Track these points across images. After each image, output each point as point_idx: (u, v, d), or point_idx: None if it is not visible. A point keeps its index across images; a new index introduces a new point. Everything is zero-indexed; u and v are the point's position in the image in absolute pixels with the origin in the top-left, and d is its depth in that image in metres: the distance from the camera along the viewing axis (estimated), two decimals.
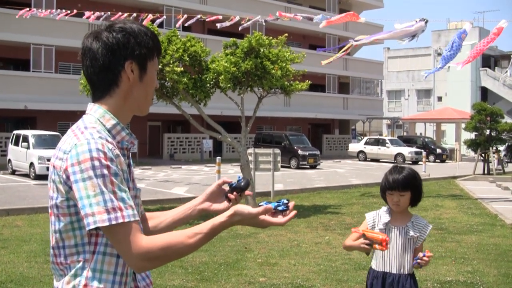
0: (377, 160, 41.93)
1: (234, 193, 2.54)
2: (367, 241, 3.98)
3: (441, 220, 14.49)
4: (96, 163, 2.06)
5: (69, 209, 2.16)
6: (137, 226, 2.11)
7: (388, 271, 4.25)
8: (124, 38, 2.24)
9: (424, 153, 31.74)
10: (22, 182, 23.05)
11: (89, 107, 2.33)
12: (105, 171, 2.06)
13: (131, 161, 2.36)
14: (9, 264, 9.04)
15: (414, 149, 41.40)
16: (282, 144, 35.07)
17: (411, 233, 4.19)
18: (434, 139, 49.68)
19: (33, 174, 24.07)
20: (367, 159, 42.28)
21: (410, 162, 39.72)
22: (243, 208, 2.24)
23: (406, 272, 4.22)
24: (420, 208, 16.46)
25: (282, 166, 33.52)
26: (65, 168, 2.10)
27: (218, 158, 20.82)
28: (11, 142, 26.48)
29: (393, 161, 40.66)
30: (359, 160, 42.38)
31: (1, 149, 31.98)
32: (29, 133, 25.76)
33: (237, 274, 8.69)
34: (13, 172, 26.11)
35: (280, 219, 2.30)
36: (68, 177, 2.09)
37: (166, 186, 22.09)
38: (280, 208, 2.36)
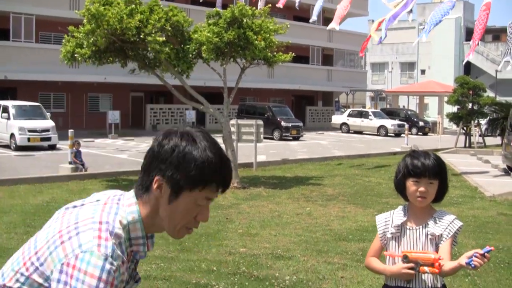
0: (360, 132, 42.02)
1: None
2: (410, 265, 3.22)
3: None
4: (101, 285, 1.87)
5: None
6: None
7: (402, 285, 3.33)
8: (167, 153, 2.02)
9: (406, 126, 31.83)
10: (3, 153, 22.85)
11: (130, 199, 2.11)
12: None
13: (138, 263, 2.21)
14: None
15: (397, 121, 41.52)
16: (265, 115, 35.01)
17: (431, 230, 3.28)
18: (417, 112, 49.88)
19: (14, 145, 23.84)
20: (350, 131, 42.35)
21: (393, 135, 39.90)
22: None
23: (430, 285, 3.30)
24: None
25: (265, 138, 33.50)
26: (62, 262, 1.91)
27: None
28: None
29: (376, 133, 40.83)
30: (342, 132, 42.47)
31: None
32: (9, 103, 25.44)
33: (217, 244, 8.71)
34: None
35: None
36: (53, 272, 1.92)
37: None
38: None
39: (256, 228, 9.99)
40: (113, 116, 33.03)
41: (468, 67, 61.56)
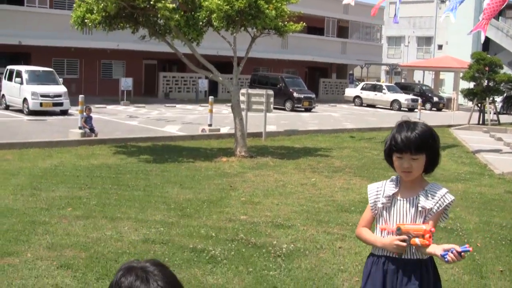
0: (373, 106, 41.75)
1: None
2: (403, 237, 3.18)
3: None
4: None
5: None
6: None
7: (391, 255, 3.30)
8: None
9: (420, 101, 31.60)
10: (15, 117, 23.00)
11: None
12: None
13: None
14: None
15: (410, 96, 41.19)
16: (278, 86, 34.88)
17: (422, 203, 3.22)
18: (432, 87, 49.44)
19: (27, 110, 23.95)
20: (363, 105, 42.08)
21: (406, 109, 39.62)
22: None
23: (416, 257, 3.28)
24: None
25: (276, 108, 33.48)
26: None
27: (210, 98, 20.75)
28: (5, 77, 26.24)
29: (389, 107, 40.59)
30: (355, 105, 42.25)
31: None
32: (22, 68, 25.52)
33: (219, 211, 8.74)
34: (7, 107, 25.95)
35: None
36: None
37: (158, 124, 22.06)
38: None
39: (259, 196, 10.01)
40: (126, 83, 33.01)
41: (487, 44, 60.73)
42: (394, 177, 3.38)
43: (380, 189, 3.38)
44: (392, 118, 31.68)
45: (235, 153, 14.98)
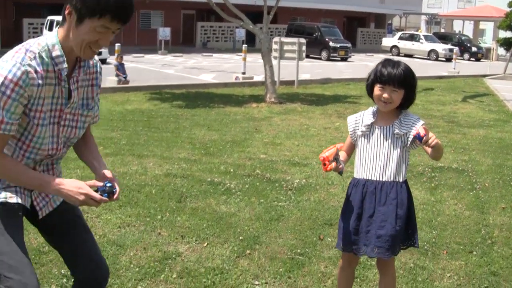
0: (410, 56, 41.44)
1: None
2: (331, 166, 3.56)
3: (455, 114, 14.68)
4: (6, 82, 2.51)
5: None
6: (3, 141, 2.63)
7: (369, 178, 3.66)
8: None
9: (455, 50, 31.32)
10: None
11: (53, 31, 2.73)
12: (8, 92, 2.52)
13: (73, 86, 2.79)
14: None
15: (448, 46, 40.73)
16: (314, 35, 34.93)
17: (397, 130, 3.59)
18: (472, 37, 48.75)
19: None
20: (400, 54, 41.79)
21: (444, 59, 39.32)
22: (72, 183, 2.68)
23: (392, 179, 3.63)
24: (439, 102, 16.71)
25: (312, 57, 33.64)
26: None
27: (244, 46, 21.11)
28: (46, 28, 26.89)
29: (426, 57, 40.29)
30: (392, 55, 41.91)
31: (37, 35, 32.49)
32: (61, 18, 26.04)
33: (240, 150, 9.21)
34: None
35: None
36: None
37: (194, 73, 22.54)
38: (104, 193, 2.70)
39: (282, 138, 10.44)
40: (164, 32, 33.44)
41: None
42: (371, 108, 3.75)
43: (359, 119, 3.77)
44: (427, 68, 31.55)
45: (265, 99, 15.38)
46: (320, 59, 34.20)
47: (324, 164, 3.55)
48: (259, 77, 20.86)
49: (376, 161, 3.65)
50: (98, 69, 2.97)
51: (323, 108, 14.73)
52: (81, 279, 3.06)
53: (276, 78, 17.81)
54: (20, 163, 2.73)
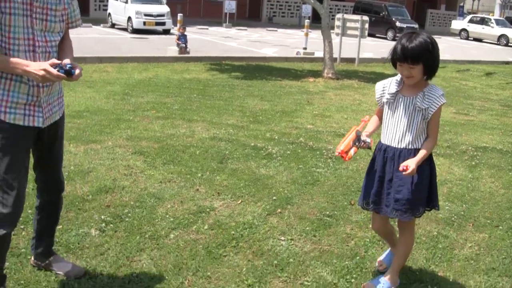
0: (479, 40, 40.45)
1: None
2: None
3: None
4: None
5: None
6: None
7: (390, 144, 3.83)
8: None
9: None
10: (120, 35, 24.22)
11: None
12: None
13: None
14: (90, 100, 10.04)
15: None
16: (381, 14, 34.54)
17: (419, 104, 3.67)
18: None
19: (131, 28, 25.16)
20: (469, 38, 40.85)
21: None
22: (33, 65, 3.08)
23: (410, 147, 3.76)
24: (499, 87, 16.41)
25: (378, 37, 33.31)
26: None
27: (306, 21, 21.15)
28: None
29: (496, 42, 39.24)
30: (461, 38, 41.10)
31: (102, 3, 33.23)
32: None
33: (288, 120, 9.37)
34: (113, 26, 27.28)
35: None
36: None
37: (256, 46, 22.71)
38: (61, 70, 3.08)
39: (332, 111, 10.54)
40: (229, 5, 33.68)
41: None
42: (399, 76, 3.80)
43: (386, 86, 3.87)
44: (495, 52, 30.83)
45: (322, 74, 15.45)
46: (385, 38, 33.83)
47: (342, 157, 3.82)
48: (320, 53, 20.84)
49: (396, 129, 3.77)
50: None
51: None
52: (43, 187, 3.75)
53: (336, 55, 17.82)
54: None
